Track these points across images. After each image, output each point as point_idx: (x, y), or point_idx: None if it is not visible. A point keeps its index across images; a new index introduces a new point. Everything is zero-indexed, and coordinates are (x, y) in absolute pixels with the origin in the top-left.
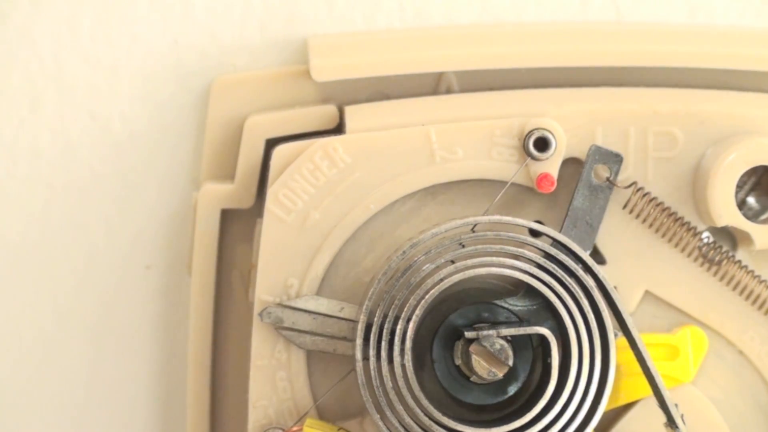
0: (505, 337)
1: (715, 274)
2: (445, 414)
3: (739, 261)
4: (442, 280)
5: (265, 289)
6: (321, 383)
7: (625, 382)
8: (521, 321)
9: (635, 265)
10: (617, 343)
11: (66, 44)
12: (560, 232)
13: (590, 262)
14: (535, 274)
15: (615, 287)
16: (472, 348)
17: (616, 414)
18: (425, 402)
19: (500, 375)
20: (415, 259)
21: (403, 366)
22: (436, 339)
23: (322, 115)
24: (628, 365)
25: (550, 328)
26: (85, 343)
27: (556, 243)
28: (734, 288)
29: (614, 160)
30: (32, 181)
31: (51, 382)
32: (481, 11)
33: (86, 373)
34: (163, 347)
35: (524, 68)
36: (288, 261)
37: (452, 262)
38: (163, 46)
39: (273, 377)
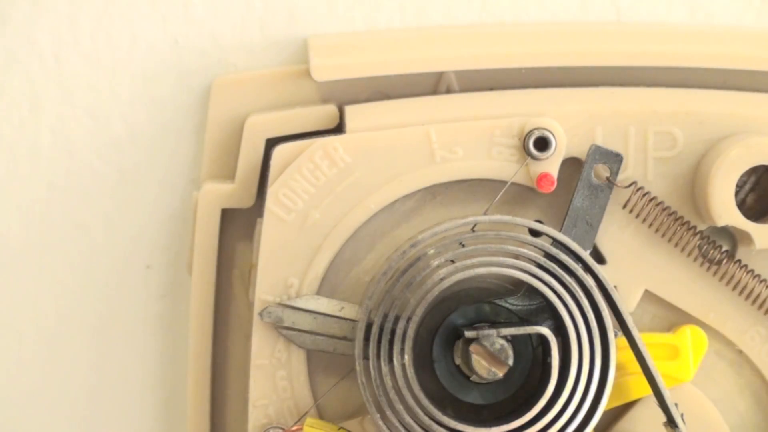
0: (505, 337)
1: (715, 273)
2: (445, 413)
3: (739, 261)
4: (442, 279)
5: (265, 288)
6: (321, 383)
7: (625, 381)
8: (521, 320)
9: (635, 264)
10: (617, 342)
11: (66, 44)
12: (560, 231)
13: (590, 261)
14: (535, 273)
15: (615, 287)
16: (472, 347)
17: (616, 413)
18: (425, 401)
19: (500, 374)
20: (415, 258)
21: (403, 365)
22: (436, 338)
23: (322, 114)
24: (628, 364)
25: (550, 328)
26: (86, 342)
27: (556, 242)
28: (734, 288)
29: (614, 159)
30: (32, 181)
31: (51, 382)
32: (481, 11)
33: (87, 372)
34: (163, 347)
35: (524, 68)
36: (288, 261)
37: (452, 261)
38: (163, 46)
39: (273, 377)
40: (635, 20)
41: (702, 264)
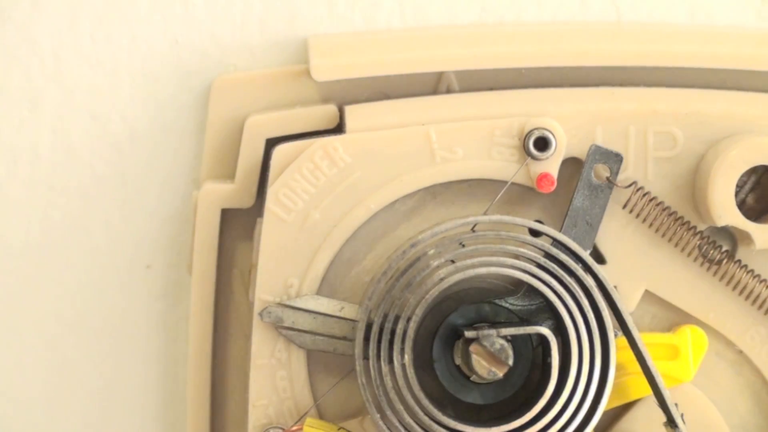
0: (505, 337)
1: (715, 273)
2: (445, 413)
3: (739, 261)
4: (442, 279)
5: (265, 288)
6: (321, 383)
7: (625, 381)
8: (521, 320)
9: (635, 264)
10: (617, 342)
11: (66, 44)
12: (560, 231)
13: (590, 261)
14: (535, 273)
15: (615, 287)
16: (472, 347)
17: (616, 413)
18: (425, 401)
19: (500, 374)
20: (415, 258)
21: (403, 366)
22: (436, 338)
23: (322, 114)
24: (628, 364)
25: (550, 328)
26: (86, 342)
27: (556, 242)
28: (734, 288)
29: (614, 159)
30: (33, 182)
31: (51, 382)
32: (481, 11)
33: (87, 372)
34: (163, 347)
35: (524, 68)
36: (288, 260)
37: (452, 261)
38: (163, 46)
39: (273, 377)
40: (635, 20)
41: (702, 264)
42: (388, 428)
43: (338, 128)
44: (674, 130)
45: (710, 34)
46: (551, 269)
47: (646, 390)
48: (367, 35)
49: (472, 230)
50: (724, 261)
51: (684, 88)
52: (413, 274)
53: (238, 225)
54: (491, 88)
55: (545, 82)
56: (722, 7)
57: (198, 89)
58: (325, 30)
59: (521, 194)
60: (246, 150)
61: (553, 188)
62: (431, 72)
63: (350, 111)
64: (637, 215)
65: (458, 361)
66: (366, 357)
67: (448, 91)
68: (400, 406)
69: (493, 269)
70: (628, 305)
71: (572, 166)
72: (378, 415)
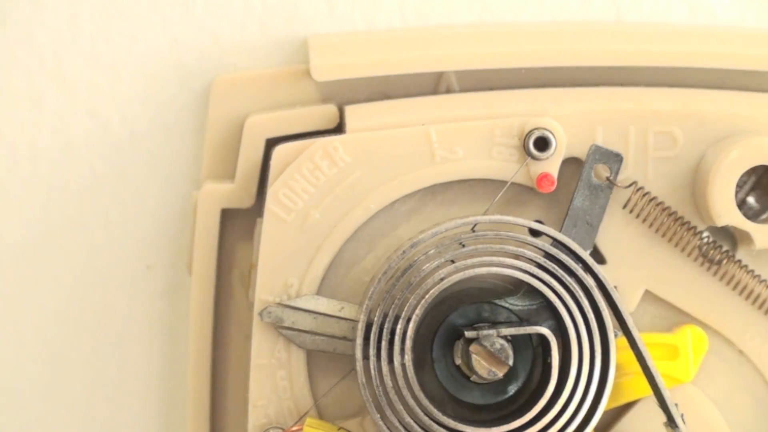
0: (505, 337)
1: (715, 273)
2: (445, 413)
3: (739, 261)
4: (442, 279)
5: (265, 288)
6: (321, 383)
7: (625, 381)
8: (521, 320)
9: (635, 264)
10: (617, 342)
11: (66, 44)
12: (560, 231)
13: (590, 261)
14: (535, 273)
15: (615, 287)
16: (473, 347)
17: (616, 414)
18: (425, 401)
19: (500, 374)
20: (415, 258)
21: (403, 365)
22: (436, 338)
23: (322, 114)
24: (629, 365)
25: (550, 328)
26: (85, 342)
27: (556, 242)
28: (734, 288)
29: (614, 159)
30: (32, 181)
31: (51, 382)
32: (481, 11)
33: (86, 372)
34: (163, 347)
35: (524, 68)
36: (288, 260)
37: (452, 261)
38: (163, 46)
39: (273, 377)
40: (635, 20)
41: (702, 264)
42: (388, 428)
43: (338, 128)
44: (674, 130)
45: (710, 34)
46: (551, 269)
47: (646, 390)
48: (367, 35)
49: (472, 230)
50: (724, 261)
51: (684, 88)
52: (413, 274)
53: (238, 225)
54: (491, 88)
55: (545, 82)
56: (722, 6)
57: (198, 89)
58: (325, 30)
59: (521, 194)
60: (246, 150)
61: (553, 188)
62: (431, 72)
63: (350, 111)
64: (637, 215)
65: (458, 361)
66: (366, 357)
67: (448, 91)
68: (400, 406)
69: (493, 269)
70: (628, 305)
71: (572, 166)
72: (378, 415)
